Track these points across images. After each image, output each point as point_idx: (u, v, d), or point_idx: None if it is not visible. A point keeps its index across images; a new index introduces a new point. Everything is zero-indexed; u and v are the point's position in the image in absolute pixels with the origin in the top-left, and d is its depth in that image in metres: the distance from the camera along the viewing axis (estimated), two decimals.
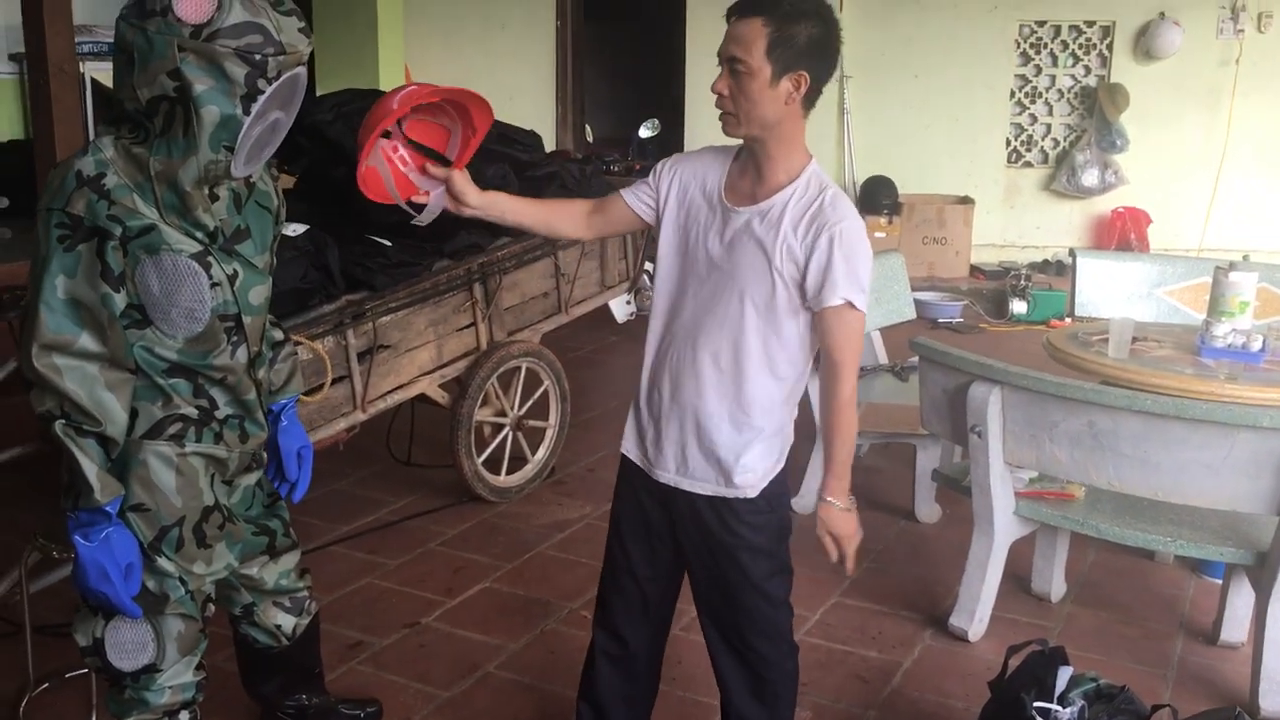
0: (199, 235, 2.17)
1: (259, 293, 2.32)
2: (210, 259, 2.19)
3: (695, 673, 3.25)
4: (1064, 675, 2.63)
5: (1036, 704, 2.52)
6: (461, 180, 2.51)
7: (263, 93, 2.04)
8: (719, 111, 2.24)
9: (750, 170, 2.31)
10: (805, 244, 2.21)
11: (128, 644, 2.29)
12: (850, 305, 2.22)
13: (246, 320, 2.29)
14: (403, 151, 2.58)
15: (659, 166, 2.46)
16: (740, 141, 2.33)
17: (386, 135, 2.57)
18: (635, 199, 2.45)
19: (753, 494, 2.36)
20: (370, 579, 3.87)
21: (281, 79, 2.06)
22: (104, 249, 2.08)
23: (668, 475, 2.41)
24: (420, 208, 2.60)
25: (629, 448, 2.51)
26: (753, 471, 2.35)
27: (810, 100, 2.24)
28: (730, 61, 2.18)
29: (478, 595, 3.78)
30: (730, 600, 2.44)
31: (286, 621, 2.66)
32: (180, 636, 2.33)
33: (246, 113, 2.03)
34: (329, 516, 4.32)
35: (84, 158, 2.11)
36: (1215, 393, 3.46)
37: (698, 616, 2.55)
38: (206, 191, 2.13)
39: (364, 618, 3.59)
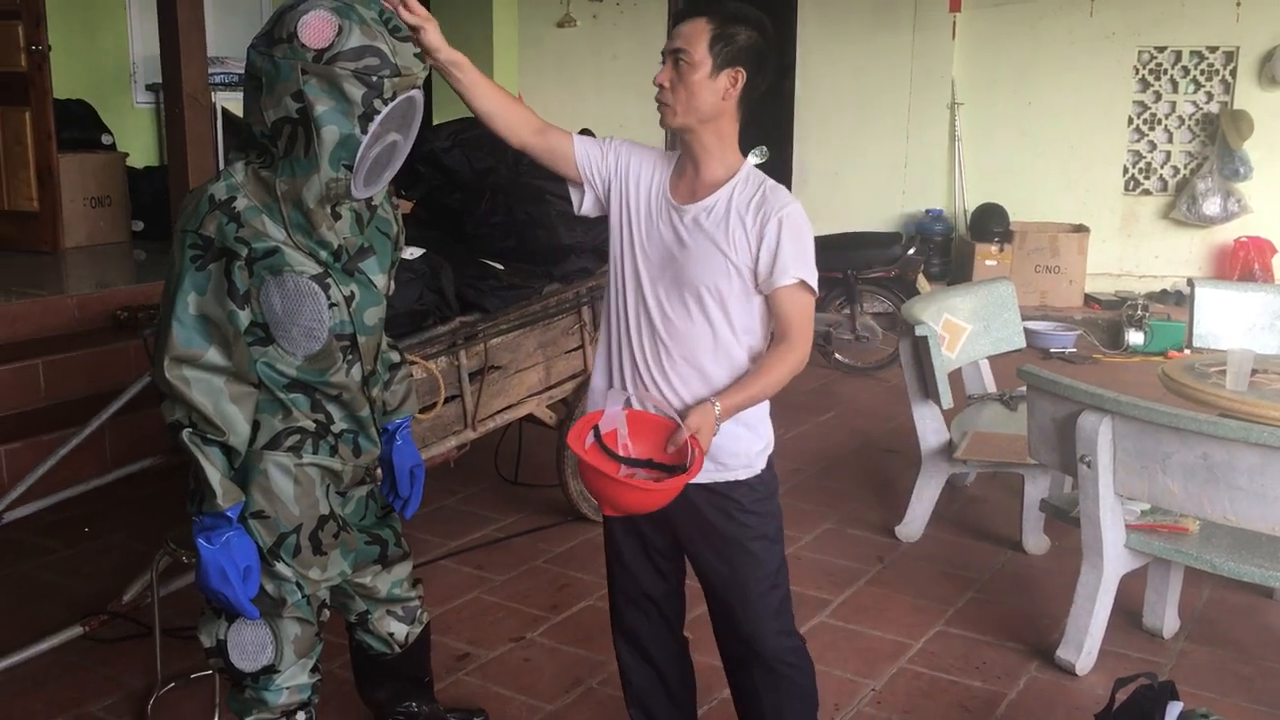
0: (323, 255, 2.28)
1: (374, 314, 2.43)
2: (329, 281, 2.29)
3: None
4: (1173, 711, 2.57)
5: None
6: (432, 32, 2.31)
7: (379, 112, 2.15)
8: (657, 104, 2.35)
9: (689, 169, 2.40)
10: (755, 232, 2.31)
11: (248, 645, 2.40)
12: (803, 284, 2.31)
13: (361, 340, 2.40)
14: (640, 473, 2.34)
15: (611, 140, 2.51)
16: (678, 153, 2.45)
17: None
18: (583, 151, 2.47)
19: (747, 475, 2.42)
20: (478, 593, 3.96)
21: (397, 100, 2.17)
22: (231, 269, 2.20)
23: None
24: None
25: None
26: (743, 454, 2.41)
27: (744, 101, 2.36)
28: (674, 54, 2.32)
29: (582, 612, 3.84)
30: (743, 595, 2.46)
31: (399, 629, 2.75)
32: (297, 639, 2.43)
33: (364, 132, 2.15)
34: (439, 531, 4.43)
35: (217, 183, 2.24)
36: None
37: (711, 619, 2.59)
38: (329, 210, 2.25)
39: (471, 630, 3.68)
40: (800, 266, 2.31)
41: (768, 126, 9.45)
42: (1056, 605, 3.83)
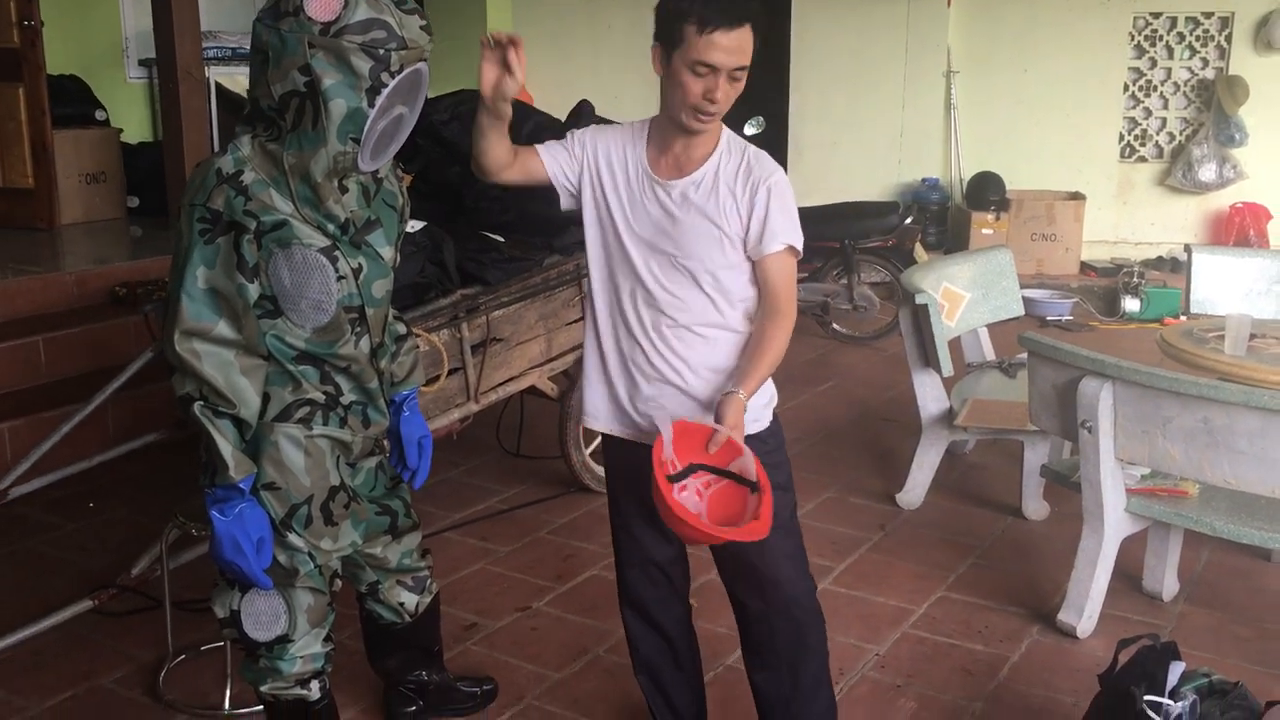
0: (330, 228, 2.29)
1: (381, 286, 2.44)
2: (337, 253, 2.30)
3: None
4: (1176, 670, 2.60)
5: (1147, 698, 2.50)
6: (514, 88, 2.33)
7: (386, 85, 2.16)
8: (703, 114, 2.28)
9: (675, 145, 2.39)
10: (745, 201, 2.35)
11: (262, 615, 2.43)
12: (790, 249, 2.38)
13: (369, 312, 2.41)
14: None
15: (577, 134, 2.48)
16: (643, 120, 2.46)
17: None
18: (552, 161, 2.47)
19: (757, 429, 2.46)
20: (483, 564, 3.99)
21: (404, 73, 2.18)
22: (240, 242, 2.21)
23: None
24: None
25: (614, 428, 2.55)
26: (752, 409, 2.42)
27: None
28: (735, 70, 2.26)
29: (586, 582, 3.87)
30: (760, 546, 2.46)
31: (409, 599, 2.78)
32: (310, 609, 2.46)
33: (371, 105, 2.16)
34: (442, 504, 4.45)
35: (224, 156, 2.24)
36: None
37: (720, 572, 2.63)
38: (336, 183, 2.26)
39: (477, 601, 3.71)
40: (789, 233, 2.37)
41: (763, 97, 9.43)
42: (1057, 570, 3.87)
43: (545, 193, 4.30)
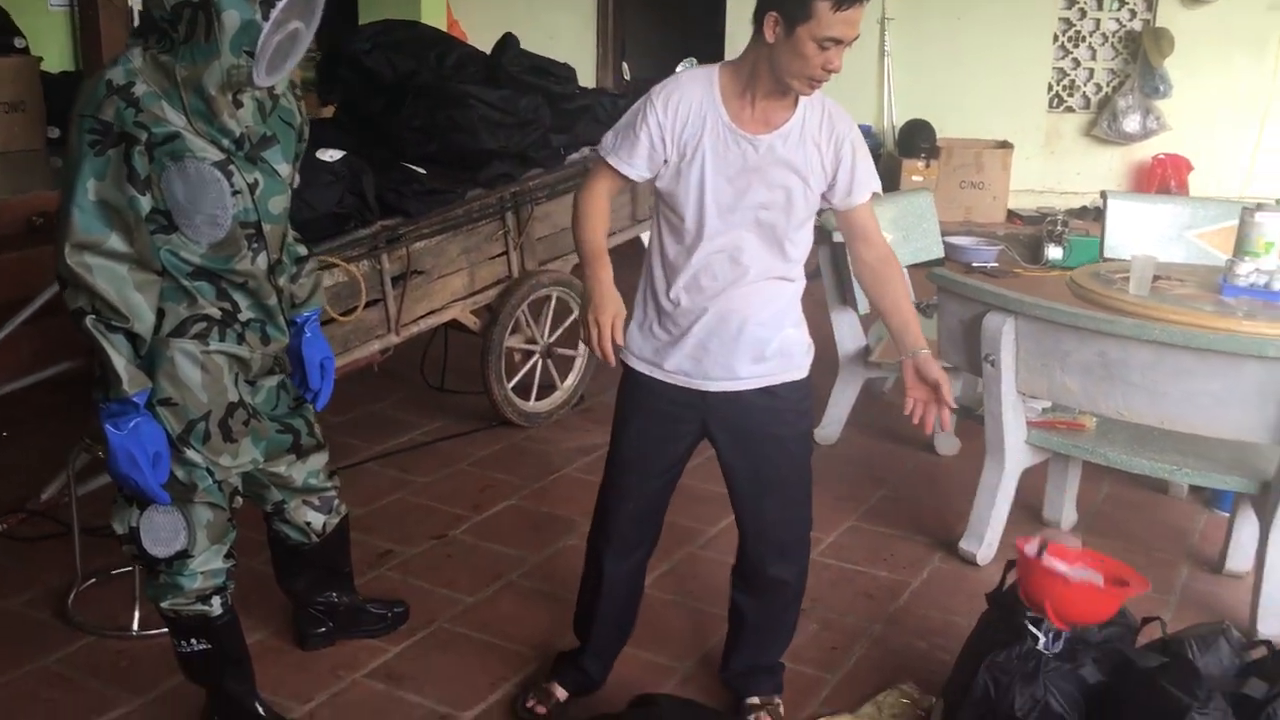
0: (224, 142, 2.28)
1: (278, 202, 2.43)
2: (232, 168, 2.29)
3: (712, 584, 3.36)
4: None
5: (1030, 614, 2.61)
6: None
7: None
8: (818, 82, 2.34)
9: (763, 102, 2.40)
10: (830, 155, 2.46)
11: (161, 531, 2.43)
12: (875, 194, 2.55)
13: (266, 228, 2.41)
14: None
15: (649, 121, 2.43)
16: (705, 69, 2.47)
17: None
18: (635, 170, 2.47)
19: (799, 376, 2.58)
20: (401, 495, 4.02)
21: None
22: (131, 154, 2.19)
23: (723, 384, 2.53)
24: None
25: (657, 371, 2.57)
26: (798, 355, 2.57)
27: None
28: (852, 40, 2.32)
29: (504, 511, 3.91)
30: (784, 486, 2.63)
31: (316, 519, 2.80)
32: (210, 525, 2.47)
33: (265, 18, 2.14)
34: (363, 436, 4.47)
35: (114, 68, 2.22)
36: (1230, 328, 3.48)
37: (735, 505, 2.69)
38: (230, 97, 2.24)
39: (394, 529, 3.74)
40: (873, 179, 2.52)
41: (700, 42, 9.41)
42: (963, 501, 3.96)
43: (470, 127, 4.32)
